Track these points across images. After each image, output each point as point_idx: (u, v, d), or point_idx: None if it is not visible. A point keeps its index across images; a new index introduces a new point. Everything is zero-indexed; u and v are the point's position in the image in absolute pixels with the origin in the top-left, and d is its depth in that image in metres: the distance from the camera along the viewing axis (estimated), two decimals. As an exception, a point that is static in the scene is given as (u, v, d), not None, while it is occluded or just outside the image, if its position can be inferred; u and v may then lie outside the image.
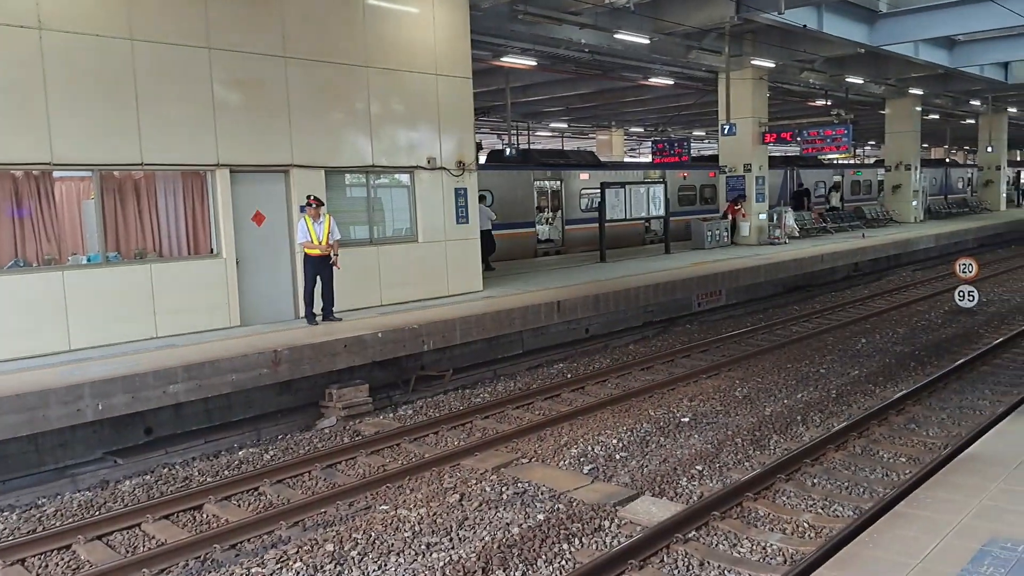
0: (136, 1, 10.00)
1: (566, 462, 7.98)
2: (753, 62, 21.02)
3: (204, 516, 7.03)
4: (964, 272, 15.53)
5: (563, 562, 5.85)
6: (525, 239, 21.49)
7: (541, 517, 6.60)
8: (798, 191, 29.54)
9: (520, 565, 5.79)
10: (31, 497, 7.61)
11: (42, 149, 9.38)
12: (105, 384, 8.08)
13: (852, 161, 44.24)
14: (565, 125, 41.06)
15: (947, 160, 52.56)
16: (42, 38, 9.30)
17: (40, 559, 6.23)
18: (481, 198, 18.77)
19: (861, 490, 7.02)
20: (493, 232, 18.07)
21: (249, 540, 6.37)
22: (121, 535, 6.63)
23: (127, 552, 6.34)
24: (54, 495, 7.68)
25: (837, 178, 34.67)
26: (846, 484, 7.14)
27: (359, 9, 12.33)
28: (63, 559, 6.24)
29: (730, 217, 22.71)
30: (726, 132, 20.81)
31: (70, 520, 6.97)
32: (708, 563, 5.73)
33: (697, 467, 7.70)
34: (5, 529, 6.90)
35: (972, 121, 40.31)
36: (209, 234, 11.03)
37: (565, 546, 6.09)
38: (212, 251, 11.03)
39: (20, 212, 9.64)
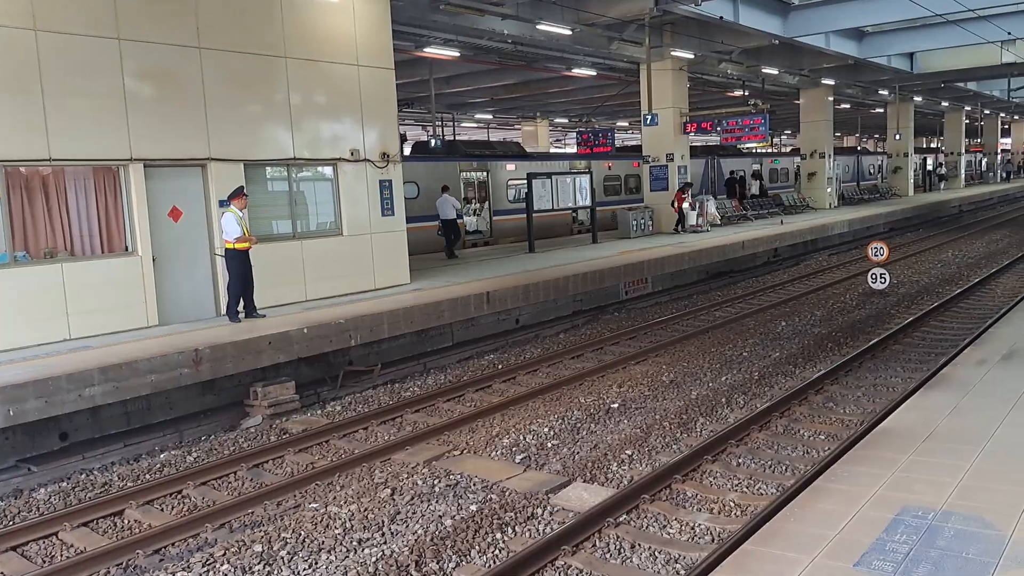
0: (38, -11, 9.57)
1: (498, 452, 8.00)
2: (673, 53, 21.37)
3: (125, 522, 6.79)
4: (876, 255, 16.15)
5: (497, 551, 5.86)
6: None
7: (474, 508, 6.60)
8: (730, 179, 30.00)
9: (454, 557, 5.79)
10: (-63, 511, 7.24)
11: (-61, 144, 8.92)
12: (15, 389, 7.72)
13: (770, 150, 45.51)
14: (490, 116, 41.06)
15: (859, 148, 54.63)
16: (-65, 27, 8.83)
17: (-52, 575, 5.94)
18: (444, 188, 18.71)
19: (783, 468, 7.25)
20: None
21: (174, 544, 6.20)
22: (37, 545, 6.37)
23: (44, 562, 6.09)
24: (-38, 508, 7.33)
25: (756, 166, 35.57)
26: (769, 463, 7.36)
27: (276, -2, 12.06)
28: (-26, 574, 5.96)
29: (677, 206, 22.65)
30: (648, 122, 21.09)
31: (-20, 533, 6.66)
32: (639, 545, 5.83)
33: (627, 452, 7.82)
34: (-91, 546, 6.54)
35: (881, 110, 41.99)
36: (124, 231, 10.65)
37: (499, 535, 6.11)
38: (127, 249, 10.65)
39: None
